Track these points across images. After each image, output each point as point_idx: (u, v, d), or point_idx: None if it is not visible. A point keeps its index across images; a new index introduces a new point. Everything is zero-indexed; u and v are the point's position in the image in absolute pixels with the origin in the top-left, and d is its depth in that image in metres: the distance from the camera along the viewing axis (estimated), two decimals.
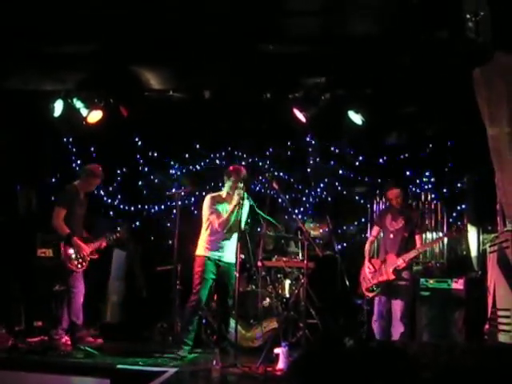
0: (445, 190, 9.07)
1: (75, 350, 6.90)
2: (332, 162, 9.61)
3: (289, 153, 9.70)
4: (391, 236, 7.16)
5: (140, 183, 10.00)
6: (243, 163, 9.22)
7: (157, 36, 6.84)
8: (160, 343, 7.85)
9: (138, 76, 7.75)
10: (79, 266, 7.23)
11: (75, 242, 7.19)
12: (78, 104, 8.19)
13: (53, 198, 8.77)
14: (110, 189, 9.87)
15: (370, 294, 7.19)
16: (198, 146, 9.84)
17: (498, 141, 6.30)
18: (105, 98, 8.22)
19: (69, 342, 7.15)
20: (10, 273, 8.29)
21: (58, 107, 8.23)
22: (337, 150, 9.58)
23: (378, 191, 9.24)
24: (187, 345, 6.90)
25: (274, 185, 7.11)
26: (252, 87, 7.94)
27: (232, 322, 7.26)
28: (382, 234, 7.49)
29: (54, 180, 9.81)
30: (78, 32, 6.81)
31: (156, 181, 9.94)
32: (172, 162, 9.98)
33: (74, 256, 7.18)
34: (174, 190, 8.49)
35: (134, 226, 9.69)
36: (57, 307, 7.35)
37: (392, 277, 6.93)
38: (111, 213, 9.90)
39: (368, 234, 8.78)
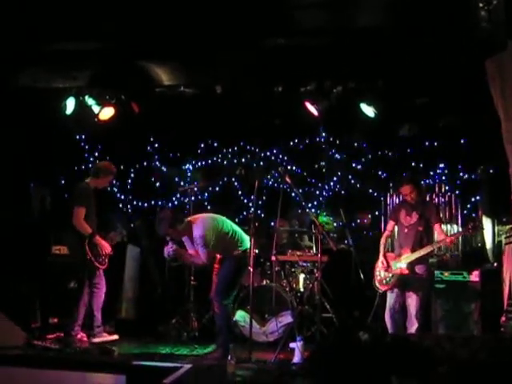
0: (459, 182, 9.00)
1: (91, 347, 6.92)
2: (345, 155, 9.57)
3: (301, 147, 9.66)
4: (406, 231, 7.11)
5: (153, 179, 10.01)
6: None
7: (167, 31, 6.83)
8: (175, 339, 7.85)
9: (149, 72, 7.73)
10: (103, 263, 7.40)
11: (98, 241, 7.27)
12: (90, 101, 8.22)
13: (66, 196, 8.85)
14: (123, 185, 9.89)
15: (383, 288, 7.15)
16: (210, 142, 9.83)
17: None
18: (116, 94, 8.24)
19: (85, 339, 7.23)
20: (25, 270, 8.31)
21: (70, 105, 8.25)
22: (350, 143, 9.53)
23: (391, 184, 9.18)
24: None
25: (287, 179, 7.08)
26: (263, 81, 7.90)
27: (240, 317, 7.35)
28: (396, 229, 7.44)
29: (67, 178, 9.83)
30: (87, 28, 6.80)
31: (169, 176, 9.93)
32: (185, 158, 9.98)
33: (98, 254, 7.29)
34: (186, 186, 8.49)
35: (147, 221, 9.70)
36: (73, 304, 7.33)
37: (406, 271, 6.89)
38: (125, 209, 9.92)
39: (382, 227, 8.75)
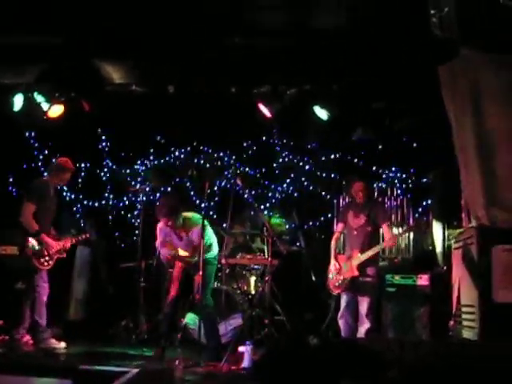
0: (411, 186, 9.08)
1: (36, 350, 6.76)
2: (298, 157, 9.56)
3: (254, 148, 9.63)
4: (354, 233, 7.17)
5: (103, 178, 9.86)
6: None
7: (120, 28, 6.73)
8: (124, 341, 7.74)
9: (100, 69, 7.61)
10: (45, 264, 7.04)
11: (44, 239, 7.01)
12: (39, 98, 8.01)
13: (19, 193, 8.67)
14: (73, 184, 9.70)
15: (336, 290, 7.17)
16: (163, 141, 9.73)
17: (463, 138, 6.30)
18: (66, 92, 8.06)
19: (31, 342, 7.00)
20: None
21: (18, 101, 8.04)
22: (303, 145, 9.53)
23: (343, 186, 9.21)
24: None
25: (238, 181, 7.05)
26: (217, 81, 7.83)
27: (190, 319, 7.30)
28: (346, 230, 7.46)
29: (15, 175, 9.62)
30: (39, 23, 6.66)
31: (119, 176, 9.81)
32: (136, 157, 9.86)
33: (40, 254, 6.99)
34: (138, 186, 8.39)
35: (97, 221, 9.56)
36: (19, 305, 7.13)
37: (356, 273, 6.93)
38: (74, 208, 9.74)
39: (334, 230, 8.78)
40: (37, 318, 6.99)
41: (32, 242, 7.00)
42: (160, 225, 6.83)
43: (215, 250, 6.91)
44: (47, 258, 7.05)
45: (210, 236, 6.84)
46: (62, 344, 7.09)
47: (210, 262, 6.80)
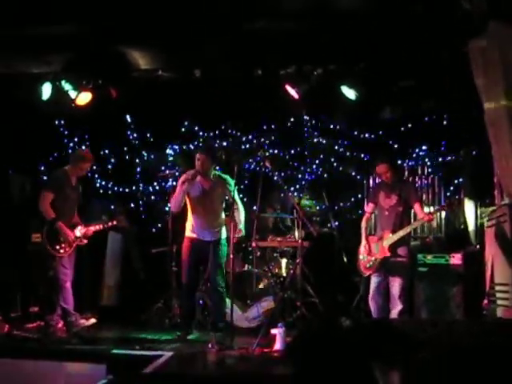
0: (442, 164, 8.96)
1: (71, 336, 6.84)
2: (327, 138, 9.50)
3: (283, 130, 9.58)
4: (386, 213, 7.09)
5: (134, 164, 9.91)
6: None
7: (144, 14, 6.70)
8: (157, 326, 7.80)
9: (126, 56, 7.62)
10: (61, 250, 7.12)
11: (60, 227, 7.09)
12: (67, 86, 8.05)
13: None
14: (103, 171, 9.78)
15: (367, 272, 7.13)
16: (190, 126, 9.73)
17: (495, 113, 6.18)
18: (93, 79, 8.09)
19: (64, 328, 7.10)
20: (4, 259, 8.22)
21: (47, 90, 8.10)
22: (331, 126, 9.46)
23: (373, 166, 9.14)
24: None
25: (267, 163, 7.04)
26: (243, 65, 7.79)
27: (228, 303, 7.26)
28: (377, 211, 7.41)
29: (47, 164, 9.71)
30: (63, 12, 6.65)
31: (149, 161, 9.84)
32: (165, 142, 9.89)
33: (56, 241, 7.08)
34: (167, 171, 8.40)
35: (128, 207, 9.62)
36: (51, 292, 7.20)
37: (387, 253, 6.87)
38: (105, 195, 9.80)
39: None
40: (62, 303, 7.07)
41: (76, 231, 7.15)
42: (183, 177, 6.90)
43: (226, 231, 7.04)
44: (63, 246, 7.12)
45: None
46: (92, 320, 7.22)
47: (223, 243, 6.97)
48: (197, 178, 6.89)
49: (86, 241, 7.37)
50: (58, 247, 7.09)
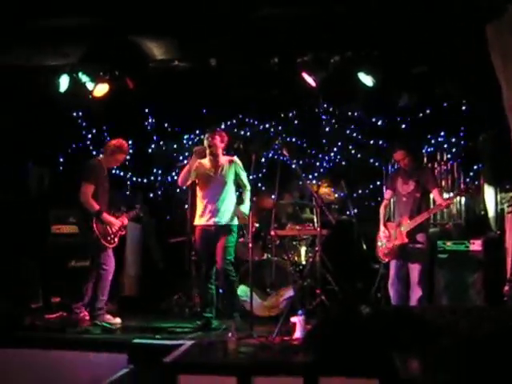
0: (461, 150, 8.91)
1: (93, 326, 6.89)
2: (345, 125, 9.48)
3: (300, 118, 9.57)
4: (404, 199, 7.06)
5: (152, 154, 9.96)
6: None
7: (158, 5, 6.69)
8: (177, 315, 7.85)
9: (142, 46, 7.62)
10: (112, 242, 7.19)
11: (106, 218, 7.10)
12: (84, 78, 8.08)
13: (66, 174, 8.81)
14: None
15: (386, 258, 7.11)
16: (208, 115, 9.74)
17: None
18: (110, 70, 8.11)
19: (87, 318, 7.14)
20: (25, 251, 8.29)
21: (64, 82, 8.13)
22: (349, 113, 9.43)
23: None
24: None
25: (284, 152, 7.04)
26: (259, 53, 7.77)
27: (242, 292, 7.33)
28: (395, 197, 7.38)
29: (65, 156, 9.78)
30: (78, 4, 6.67)
31: (167, 151, 9.89)
32: (183, 132, 9.91)
33: (105, 233, 7.11)
34: (185, 161, 8.42)
35: (147, 197, 9.68)
36: (80, 282, 7.20)
37: (406, 240, 6.85)
38: (123, 185, 9.86)
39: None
40: (99, 295, 7.09)
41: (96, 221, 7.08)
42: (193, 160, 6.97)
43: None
44: (112, 236, 7.18)
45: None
46: (118, 320, 7.19)
47: (232, 230, 6.93)
48: (205, 152, 6.94)
49: (124, 231, 7.45)
50: (108, 238, 7.13)
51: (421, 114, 8.98)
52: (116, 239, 7.24)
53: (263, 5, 6.78)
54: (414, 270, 6.85)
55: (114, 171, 9.43)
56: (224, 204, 6.90)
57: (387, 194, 7.45)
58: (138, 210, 7.79)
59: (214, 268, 6.92)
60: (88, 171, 7.15)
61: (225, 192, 6.92)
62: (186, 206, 7.95)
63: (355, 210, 8.53)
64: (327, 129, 9.56)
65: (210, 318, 6.92)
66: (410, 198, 6.99)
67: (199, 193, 7.06)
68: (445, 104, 8.78)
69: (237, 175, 7.00)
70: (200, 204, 7.02)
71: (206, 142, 6.97)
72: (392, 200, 7.64)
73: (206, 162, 7.02)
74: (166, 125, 9.84)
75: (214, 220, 6.90)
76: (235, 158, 7.05)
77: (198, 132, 9.80)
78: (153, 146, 9.95)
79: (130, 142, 9.52)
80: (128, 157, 9.56)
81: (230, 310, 6.96)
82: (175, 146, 9.91)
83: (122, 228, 7.37)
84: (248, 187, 6.99)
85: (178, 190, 9.46)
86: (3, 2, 6.56)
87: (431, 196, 7.27)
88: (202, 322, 6.87)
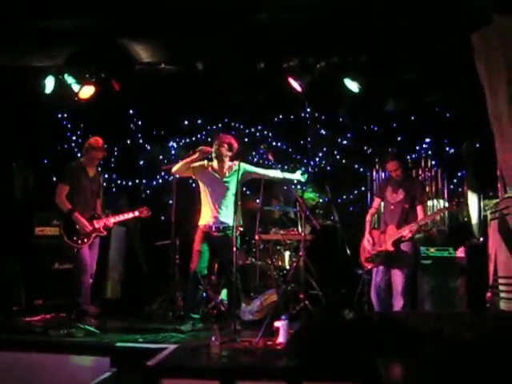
0: (445, 157, 8.97)
1: (75, 329, 6.84)
2: (330, 131, 9.51)
3: (286, 123, 9.59)
4: (392, 207, 7.08)
5: (136, 157, 9.94)
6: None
7: (146, 8, 6.69)
8: (161, 318, 7.81)
9: (128, 49, 7.61)
10: (79, 241, 7.14)
11: (76, 218, 7.10)
12: (70, 80, 8.06)
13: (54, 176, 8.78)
14: (107, 163, 9.78)
15: (369, 265, 7.13)
16: (194, 119, 9.75)
17: (498, 106, 6.19)
18: (96, 72, 8.09)
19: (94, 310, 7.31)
20: (8, 252, 8.24)
21: (49, 83, 8.10)
22: (335, 118, 9.46)
23: (377, 159, 9.15)
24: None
25: (270, 156, 7.05)
26: (245, 57, 7.78)
27: (225, 295, 7.45)
28: (382, 205, 7.40)
29: (50, 158, 9.73)
30: (66, 6, 6.65)
31: (152, 154, 9.88)
32: (169, 135, 9.91)
33: (74, 232, 7.10)
34: (170, 165, 8.41)
35: (131, 200, 9.64)
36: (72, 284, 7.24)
37: (391, 248, 6.86)
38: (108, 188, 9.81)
39: (368, 203, 8.73)
40: (77, 298, 7.11)
41: (94, 222, 7.19)
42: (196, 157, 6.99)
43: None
44: (82, 237, 7.15)
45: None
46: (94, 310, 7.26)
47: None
48: (209, 154, 6.95)
49: (105, 232, 7.42)
50: (75, 238, 7.11)
51: (406, 121, 9.01)
52: (87, 239, 7.18)
53: (251, 10, 6.80)
54: (398, 277, 6.85)
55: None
56: (227, 208, 6.94)
57: (375, 202, 7.47)
58: (141, 211, 7.73)
59: (206, 271, 6.94)
60: (64, 172, 7.27)
61: (227, 198, 6.96)
62: (171, 210, 7.94)
63: (338, 216, 8.55)
64: (312, 134, 9.57)
65: (198, 320, 6.89)
66: (398, 207, 7.01)
67: (203, 196, 7.07)
68: (430, 111, 8.82)
69: (247, 172, 7.07)
70: (203, 207, 7.04)
71: (214, 148, 6.99)
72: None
73: (214, 164, 7.06)
74: (151, 128, 9.80)
75: (216, 224, 6.93)
76: (237, 162, 7.02)
77: (182, 136, 9.79)
78: (138, 148, 9.89)
79: (114, 145, 9.66)
80: (112, 159, 9.65)
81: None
82: (160, 148, 9.88)
83: (100, 229, 7.33)
84: (267, 172, 7.18)
85: (163, 193, 9.47)
86: None
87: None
88: (191, 323, 6.82)
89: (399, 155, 7.26)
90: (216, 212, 6.98)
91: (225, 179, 7.02)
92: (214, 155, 7.00)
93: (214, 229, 6.96)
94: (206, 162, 7.10)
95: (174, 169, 7.10)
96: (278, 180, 7.17)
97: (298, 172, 7.18)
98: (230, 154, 7.04)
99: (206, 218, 7.03)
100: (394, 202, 7.09)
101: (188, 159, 6.98)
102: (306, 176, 7.11)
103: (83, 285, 7.15)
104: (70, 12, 6.80)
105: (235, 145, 7.06)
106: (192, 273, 6.97)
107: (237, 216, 6.71)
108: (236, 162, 7.02)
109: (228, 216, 6.93)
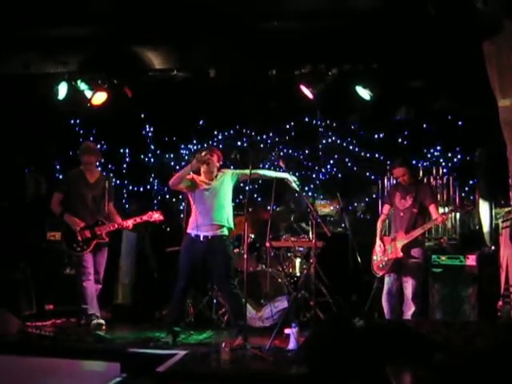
0: (456, 165, 8.95)
1: (86, 334, 6.86)
2: (341, 138, 9.52)
3: (297, 130, 9.61)
4: (401, 214, 7.08)
5: (149, 163, 9.98)
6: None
7: (158, 15, 6.73)
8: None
9: (141, 56, 7.64)
10: (78, 249, 7.17)
11: (67, 218, 7.18)
12: (82, 86, 8.11)
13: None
14: (118, 169, 9.85)
15: (381, 272, 7.12)
16: (205, 125, 9.78)
17: (510, 113, 6.16)
18: (108, 79, 8.12)
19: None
20: (20, 257, 8.28)
21: (62, 90, 8.14)
22: (346, 126, 9.47)
23: (388, 167, 9.13)
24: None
25: (281, 163, 7.03)
26: (257, 65, 7.79)
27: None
28: (392, 212, 7.40)
29: (62, 163, 9.78)
30: (78, 13, 6.71)
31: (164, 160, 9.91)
32: (181, 142, 9.94)
33: (74, 240, 7.15)
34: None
35: (143, 206, 9.66)
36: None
37: (400, 254, 6.85)
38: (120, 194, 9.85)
39: (379, 211, 8.71)
40: (82, 304, 7.15)
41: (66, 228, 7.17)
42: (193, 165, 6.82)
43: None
44: (81, 244, 7.18)
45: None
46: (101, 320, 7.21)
47: (226, 241, 6.78)
48: (206, 161, 6.77)
49: (107, 238, 7.37)
50: (74, 246, 7.14)
51: (417, 128, 9.00)
52: (86, 246, 7.18)
53: (262, 17, 6.83)
54: (409, 285, 6.85)
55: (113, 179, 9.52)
56: (214, 218, 6.70)
57: (385, 208, 7.46)
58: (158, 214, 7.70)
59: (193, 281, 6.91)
60: (60, 181, 7.33)
61: (215, 206, 6.74)
62: (182, 216, 7.95)
63: (349, 223, 8.54)
64: (324, 141, 9.57)
65: (179, 333, 6.79)
66: (407, 213, 7.01)
67: (193, 204, 6.95)
68: (441, 118, 8.81)
69: (235, 178, 6.92)
70: (193, 216, 6.88)
71: (204, 154, 6.91)
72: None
73: (201, 176, 6.95)
74: (163, 134, 9.84)
75: (203, 232, 6.71)
76: (225, 170, 6.98)
77: (195, 142, 9.82)
78: (150, 155, 9.93)
79: (126, 151, 9.70)
80: (124, 165, 9.70)
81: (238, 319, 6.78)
82: (172, 155, 9.92)
83: (100, 236, 7.28)
84: (258, 171, 7.04)
85: (173, 200, 9.49)
86: (3, 11, 6.59)
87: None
88: (170, 336, 6.65)
89: (405, 161, 7.25)
90: (205, 221, 6.73)
91: (213, 189, 6.80)
92: (205, 165, 6.81)
93: (201, 238, 6.69)
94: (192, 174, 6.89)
95: (171, 182, 6.90)
96: (270, 178, 7.04)
97: (294, 179, 7.05)
98: (218, 164, 6.89)
99: (194, 225, 6.77)
100: (403, 209, 7.09)
101: (183, 170, 6.83)
102: (298, 184, 7.00)
103: (86, 290, 7.16)
104: (83, 19, 6.86)
105: (221, 156, 6.91)
106: (180, 284, 6.82)
107: (228, 221, 6.70)
108: (224, 170, 6.94)
109: (218, 222, 6.75)
